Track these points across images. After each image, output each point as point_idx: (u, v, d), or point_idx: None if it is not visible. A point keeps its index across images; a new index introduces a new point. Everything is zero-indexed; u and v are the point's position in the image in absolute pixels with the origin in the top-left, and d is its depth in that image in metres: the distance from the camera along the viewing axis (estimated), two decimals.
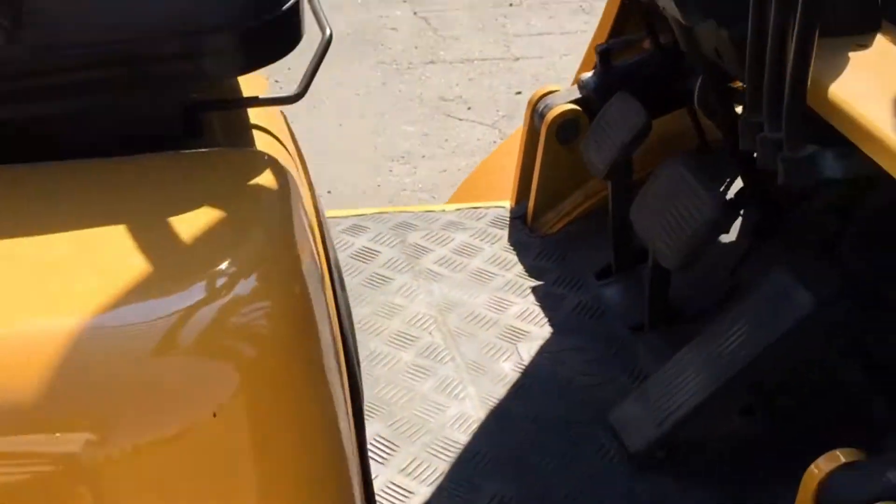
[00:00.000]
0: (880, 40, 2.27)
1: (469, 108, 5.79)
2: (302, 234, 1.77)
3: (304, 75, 2.04)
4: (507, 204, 3.14)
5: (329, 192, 5.12)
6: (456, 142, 5.55)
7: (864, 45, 2.26)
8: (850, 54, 2.22)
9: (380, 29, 6.55)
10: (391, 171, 5.31)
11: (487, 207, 3.10)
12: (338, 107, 5.81)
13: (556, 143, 2.94)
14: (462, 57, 6.27)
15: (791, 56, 2.01)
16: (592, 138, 2.77)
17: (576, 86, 2.98)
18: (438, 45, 6.40)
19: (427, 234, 3.02)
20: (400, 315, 2.76)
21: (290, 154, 2.08)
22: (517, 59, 6.24)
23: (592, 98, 2.91)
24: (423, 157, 5.42)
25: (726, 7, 2.20)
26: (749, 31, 2.11)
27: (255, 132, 2.05)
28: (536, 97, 3.02)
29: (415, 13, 6.71)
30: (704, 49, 2.42)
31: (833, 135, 2.09)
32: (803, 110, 2.06)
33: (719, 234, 2.50)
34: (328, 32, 2.08)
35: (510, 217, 3.08)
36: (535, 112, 2.99)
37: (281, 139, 2.09)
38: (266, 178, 1.77)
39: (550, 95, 2.99)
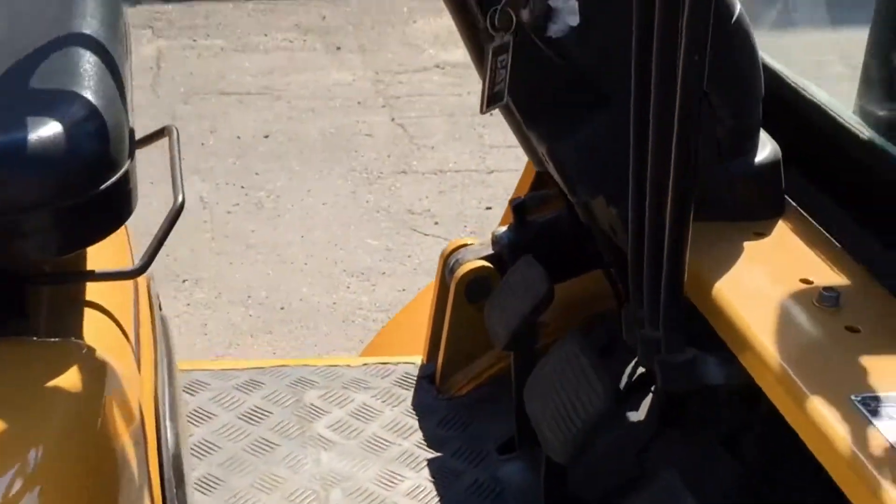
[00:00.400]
0: (781, 228, 2.12)
1: (436, 223, 5.64)
2: (106, 440, 1.61)
3: (149, 247, 1.91)
4: (420, 360, 2.96)
5: (282, 307, 4.97)
6: (419, 259, 5.39)
7: (763, 234, 2.10)
8: (746, 244, 2.06)
9: (355, 135, 6.41)
10: (349, 287, 5.16)
11: (396, 364, 2.92)
12: (302, 217, 5.67)
13: (465, 301, 2.77)
14: (435, 168, 6.12)
15: (666, 248, 1.84)
16: (495, 304, 2.60)
17: (490, 240, 2.82)
18: (413, 153, 6.26)
19: (326, 393, 2.83)
20: (280, 489, 2.57)
21: (126, 335, 1.92)
22: (491, 171, 6.10)
23: (505, 255, 2.75)
24: (384, 273, 5.27)
25: (613, 184, 2.04)
26: (629, 216, 1.95)
27: (88, 311, 1.90)
28: (449, 250, 2.85)
29: (392, 119, 6.58)
30: (601, 223, 2.26)
31: (718, 336, 1.93)
32: (681, 309, 1.90)
33: (611, 427, 2.31)
34: (180, 200, 1.94)
35: (418, 376, 2.89)
36: (447, 266, 2.83)
37: (119, 319, 1.93)
38: (70, 378, 1.62)
39: (463, 249, 2.82)
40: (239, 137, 6.37)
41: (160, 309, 2.38)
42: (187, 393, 2.70)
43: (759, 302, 1.90)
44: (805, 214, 2.18)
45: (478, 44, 2.10)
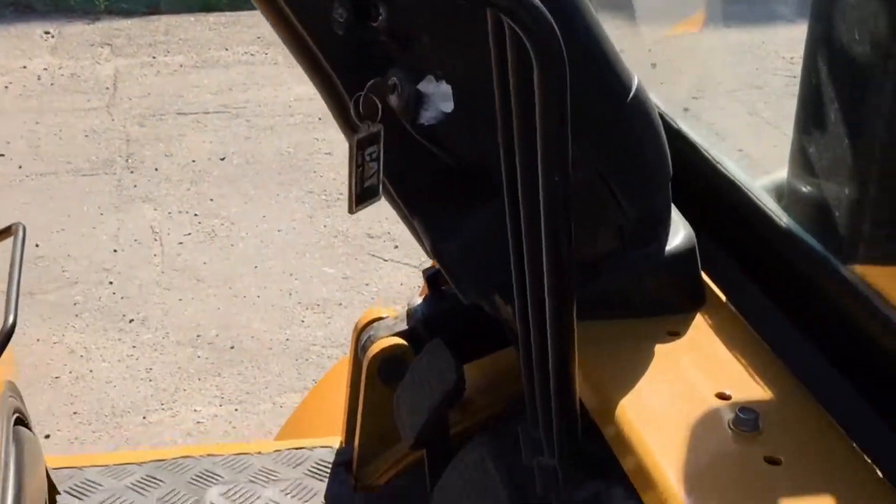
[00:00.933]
0: (699, 324, 1.88)
1: (396, 247, 5.41)
2: None
3: None
4: (338, 441, 2.70)
5: (232, 346, 4.74)
6: (377, 286, 5.17)
7: (678, 332, 1.85)
8: (658, 347, 1.82)
9: (314, 154, 6.19)
10: (303, 321, 4.93)
11: (312, 448, 2.65)
12: (257, 245, 5.45)
13: (378, 382, 2.51)
14: None
15: (551, 365, 1.60)
16: (402, 396, 2.35)
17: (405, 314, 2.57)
18: None
19: (231, 489, 2.54)
20: None
21: None
22: None
23: (420, 329, 2.50)
24: (340, 304, 5.05)
25: (507, 281, 1.77)
26: (518, 328, 1.71)
27: None
28: (362, 324, 2.60)
29: None
30: (504, 315, 2.03)
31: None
32: (576, 436, 1.66)
33: None
34: (10, 321, 1.71)
35: (334, 462, 2.62)
36: (359, 342, 2.58)
37: None
38: None
39: (376, 324, 2.57)
40: (194, 161, 6.14)
41: (21, 424, 2.13)
42: (74, 496, 2.45)
43: (666, 425, 1.66)
44: (727, 303, 1.94)
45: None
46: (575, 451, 1.66)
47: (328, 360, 4.70)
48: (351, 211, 1.80)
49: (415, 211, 1.94)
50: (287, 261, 5.33)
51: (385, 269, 5.29)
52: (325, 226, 5.59)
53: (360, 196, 1.76)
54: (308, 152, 6.19)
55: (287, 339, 4.82)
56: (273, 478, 2.57)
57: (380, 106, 1.74)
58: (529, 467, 1.84)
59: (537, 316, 1.60)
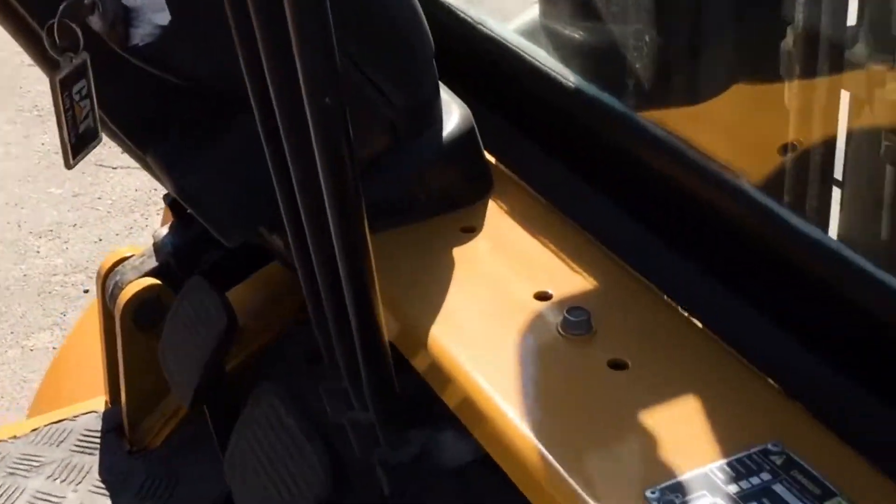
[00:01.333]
0: (495, 212, 1.65)
1: (123, 153, 5.03)
2: None
3: None
4: (103, 402, 2.37)
5: None
6: (111, 199, 4.83)
7: (474, 227, 1.62)
8: (456, 251, 1.58)
9: (18, 67, 5.74)
10: (38, 251, 4.57)
11: (74, 417, 2.32)
12: None
13: (135, 331, 2.20)
14: None
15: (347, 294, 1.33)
16: (168, 347, 2.05)
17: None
18: None
19: None
20: None
21: None
22: None
23: (172, 264, 2.20)
24: (75, 225, 4.69)
25: (268, 210, 1.48)
26: (295, 260, 1.44)
27: None
28: (105, 268, 2.27)
29: None
30: (278, 249, 1.76)
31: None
32: (389, 379, 1.40)
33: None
34: None
35: (102, 429, 2.30)
36: (106, 290, 2.26)
37: None
38: None
39: (122, 266, 2.25)
40: None
41: None
42: None
43: (485, 345, 1.42)
44: (520, 182, 1.70)
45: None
46: (391, 398, 1.41)
47: (73, 289, 4.37)
48: (69, 165, 1.50)
49: (145, 147, 1.65)
50: (9, 190, 4.94)
51: (116, 177, 4.96)
52: (42, 143, 5.21)
53: (77, 144, 1.46)
54: (11, 67, 5.74)
55: (24, 275, 4.46)
56: (36, 464, 2.22)
57: (80, 32, 1.43)
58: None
59: (321, 246, 1.33)
